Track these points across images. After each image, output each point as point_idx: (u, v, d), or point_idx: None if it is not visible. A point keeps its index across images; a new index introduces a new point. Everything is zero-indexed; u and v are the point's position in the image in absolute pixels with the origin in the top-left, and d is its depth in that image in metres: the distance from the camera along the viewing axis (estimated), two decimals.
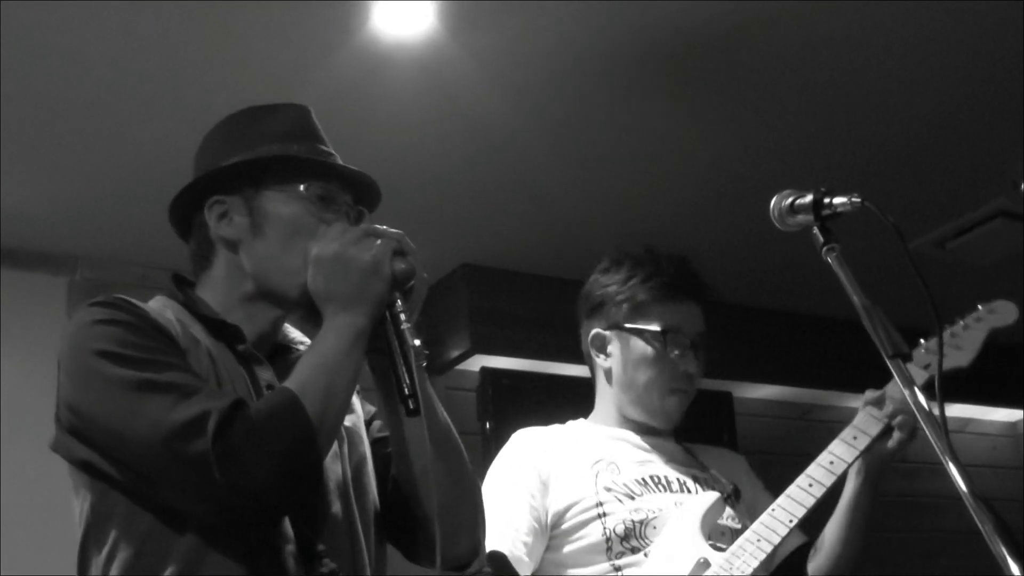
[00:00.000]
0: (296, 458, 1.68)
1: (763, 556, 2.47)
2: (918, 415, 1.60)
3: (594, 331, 2.86)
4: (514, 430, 5.50)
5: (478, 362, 5.50)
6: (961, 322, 2.80)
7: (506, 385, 5.51)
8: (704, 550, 2.52)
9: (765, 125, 4.45)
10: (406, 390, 1.79)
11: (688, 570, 2.49)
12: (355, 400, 2.09)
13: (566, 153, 4.59)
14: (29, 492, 4.19)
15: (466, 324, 5.43)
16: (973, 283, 5.69)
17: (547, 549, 2.66)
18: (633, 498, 2.62)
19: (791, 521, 2.51)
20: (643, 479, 2.67)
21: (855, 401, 6.57)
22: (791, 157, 4.63)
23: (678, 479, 2.71)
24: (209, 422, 1.62)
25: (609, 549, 2.57)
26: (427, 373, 1.91)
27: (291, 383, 1.74)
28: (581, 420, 2.95)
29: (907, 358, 1.64)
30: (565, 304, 5.86)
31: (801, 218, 1.96)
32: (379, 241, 1.84)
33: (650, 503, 2.61)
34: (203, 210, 1.98)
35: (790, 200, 1.98)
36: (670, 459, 2.79)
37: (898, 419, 2.63)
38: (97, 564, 1.77)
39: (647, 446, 2.79)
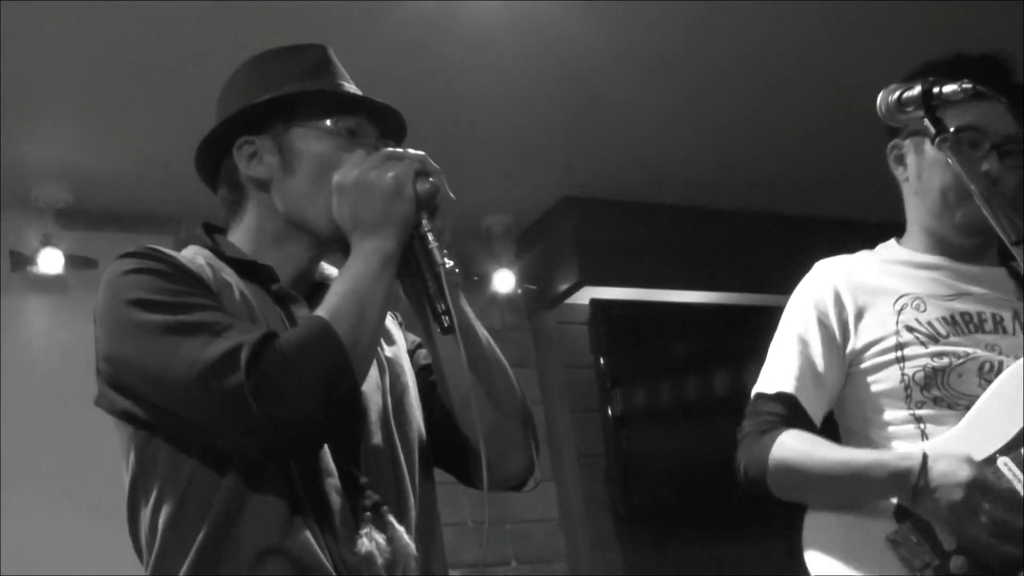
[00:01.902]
0: (332, 385, 1.66)
1: None
2: None
3: (892, 142, 2.60)
4: (628, 361, 5.56)
5: (587, 294, 5.45)
6: None
7: (618, 315, 5.45)
8: None
9: (867, 33, 4.33)
10: (439, 307, 1.77)
11: (1007, 440, 2.27)
12: (396, 330, 2.08)
13: (662, 77, 4.50)
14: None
15: (573, 256, 5.38)
16: None
17: (846, 386, 2.50)
18: (937, 340, 2.40)
19: None
20: (951, 317, 2.44)
21: None
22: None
23: (993, 315, 2.46)
24: (241, 355, 1.62)
25: (908, 396, 2.40)
26: (462, 292, 1.88)
27: (321, 310, 1.72)
28: (892, 242, 2.66)
29: None
30: (671, 230, 5.87)
31: (911, 111, 1.85)
32: (400, 163, 1.81)
33: (956, 347, 2.40)
34: (231, 153, 1.96)
35: (897, 94, 1.88)
36: (989, 290, 2.51)
37: None
38: (145, 514, 1.78)
39: (961, 275, 2.52)
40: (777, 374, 2.50)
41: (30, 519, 4.36)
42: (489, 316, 5.44)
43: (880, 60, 4.24)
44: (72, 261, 4.71)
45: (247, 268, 1.90)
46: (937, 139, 1.77)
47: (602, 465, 5.35)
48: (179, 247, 1.92)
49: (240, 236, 1.96)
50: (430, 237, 1.79)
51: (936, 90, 1.80)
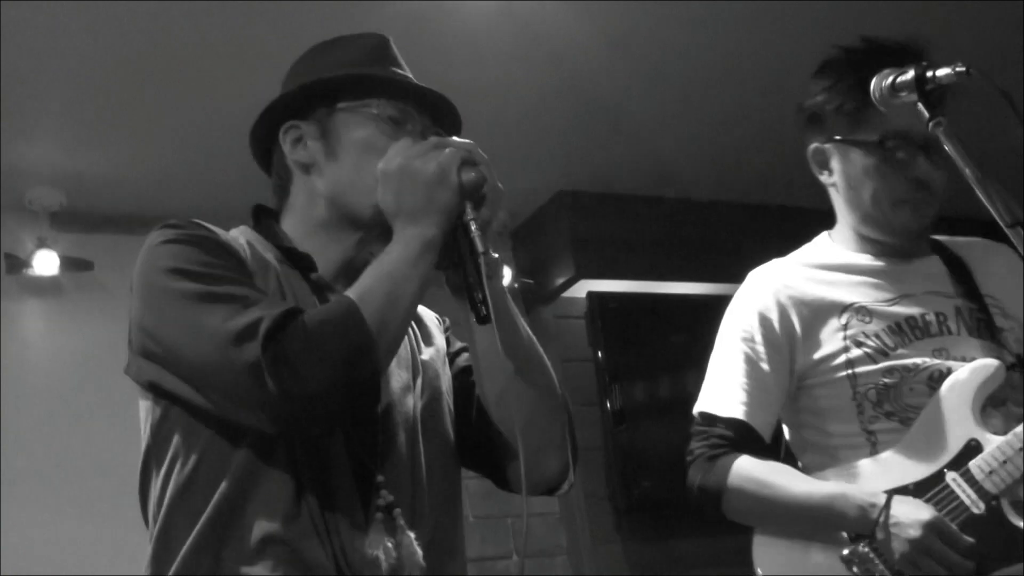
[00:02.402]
0: (352, 366, 1.63)
1: None
2: None
3: (812, 146, 2.57)
4: (626, 355, 5.55)
5: (584, 288, 5.45)
6: None
7: (614, 308, 5.45)
8: (975, 431, 2.30)
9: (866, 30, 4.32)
10: (477, 297, 1.75)
11: (954, 453, 2.30)
12: (439, 333, 2.06)
13: (652, 71, 4.50)
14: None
15: (569, 250, 5.39)
16: None
17: (797, 399, 2.49)
18: (887, 354, 2.39)
19: None
20: (896, 325, 2.42)
21: None
22: None
23: (937, 315, 2.44)
24: (261, 328, 1.60)
25: (861, 412, 2.39)
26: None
27: (352, 291, 1.70)
28: (825, 237, 2.64)
29: None
30: (666, 223, 5.86)
31: (904, 95, 1.85)
32: (446, 151, 1.78)
33: (905, 359, 2.39)
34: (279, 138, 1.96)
35: (891, 79, 1.87)
36: (928, 287, 2.49)
37: None
38: (156, 482, 1.77)
39: (899, 275, 2.50)
40: (725, 395, 2.48)
41: (28, 520, 4.35)
42: None
43: None
44: (67, 263, 4.72)
45: (288, 254, 1.89)
46: (931, 124, 1.76)
47: (601, 459, 5.35)
48: None
49: (288, 222, 1.95)
50: (473, 227, 1.75)
51: (930, 74, 1.80)
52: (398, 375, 1.86)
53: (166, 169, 4.62)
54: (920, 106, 1.79)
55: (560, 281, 5.43)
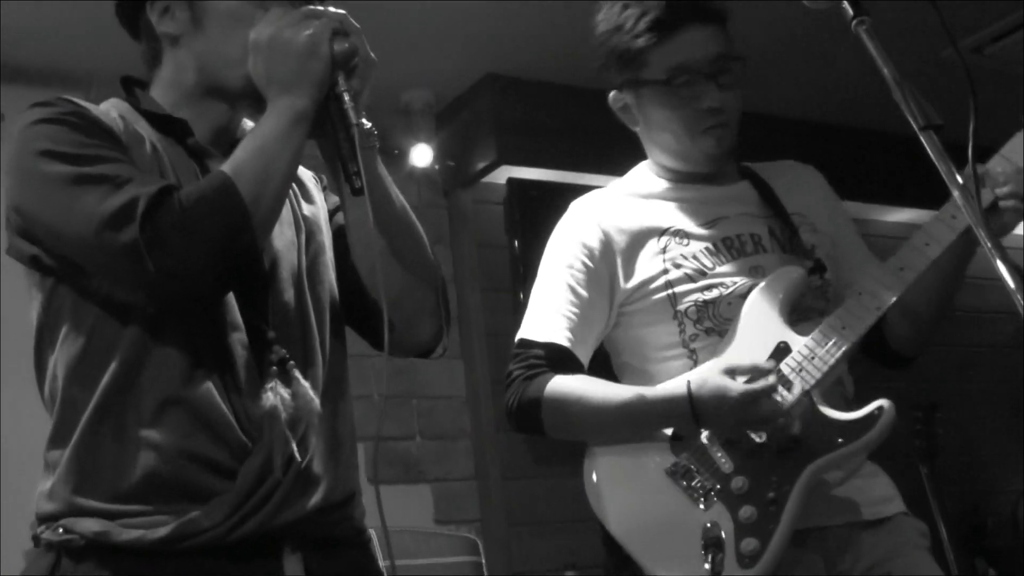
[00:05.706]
0: (228, 241, 1.68)
1: (847, 345, 2.38)
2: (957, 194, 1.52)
3: (611, 96, 2.69)
4: (542, 244, 5.49)
5: (505, 173, 5.40)
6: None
7: (534, 196, 5.40)
8: (784, 333, 2.42)
9: None
10: (351, 168, 1.78)
11: (766, 355, 2.40)
12: (317, 191, 2.09)
13: None
14: None
15: (492, 134, 5.32)
16: (1013, 91, 5.56)
17: (618, 326, 2.58)
18: (705, 273, 2.49)
19: (879, 309, 2.39)
20: (714, 245, 2.53)
21: (897, 215, 6.49)
22: None
23: (752, 236, 2.56)
24: (138, 208, 1.63)
25: (682, 331, 2.49)
26: (380, 155, 1.89)
27: (226, 166, 1.73)
28: (642, 166, 2.76)
29: (939, 129, 1.55)
30: (594, 114, 5.76)
31: None
32: (318, 21, 1.79)
33: (723, 277, 2.50)
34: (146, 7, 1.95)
35: None
36: (741, 210, 2.61)
37: (1007, 189, 2.33)
38: (51, 362, 1.81)
39: (713, 200, 2.61)
40: (544, 321, 2.54)
41: None
42: (406, 192, 5.29)
43: None
44: None
45: (163, 122, 1.90)
46: (854, 22, 1.75)
47: (510, 345, 5.34)
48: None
49: (158, 91, 1.96)
50: (345, 97, 1.78)
51: None
52: (282, 233, 1.89)
53: (86, 22, 4.46)
54: (845, 3, 1.78)
55: (481, 165, 5.37)
